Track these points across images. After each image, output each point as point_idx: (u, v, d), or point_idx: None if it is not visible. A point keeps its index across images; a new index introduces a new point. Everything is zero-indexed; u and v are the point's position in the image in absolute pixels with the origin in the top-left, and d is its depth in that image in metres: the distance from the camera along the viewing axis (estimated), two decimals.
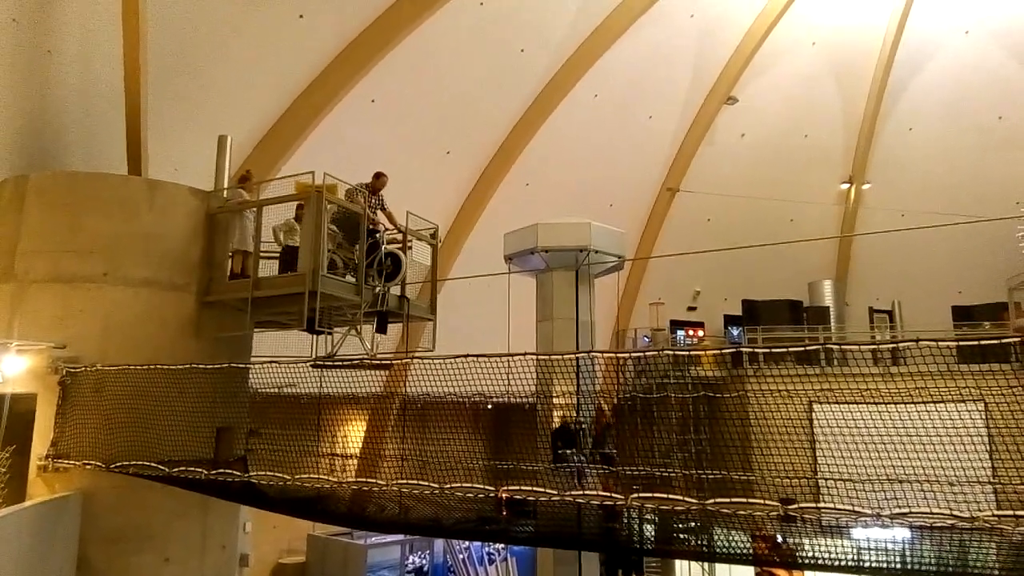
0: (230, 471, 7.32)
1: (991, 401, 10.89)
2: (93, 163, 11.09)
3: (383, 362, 8.78)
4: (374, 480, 6.36)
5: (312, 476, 6.70)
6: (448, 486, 5.55)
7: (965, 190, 20.48)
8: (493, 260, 13.88)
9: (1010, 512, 4.41)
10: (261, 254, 9.14)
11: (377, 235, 9.64)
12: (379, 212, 9.84)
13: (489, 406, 14.52)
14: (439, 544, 17.09)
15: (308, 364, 7.87)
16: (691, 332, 22.06)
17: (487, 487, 5.37)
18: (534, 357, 8.64)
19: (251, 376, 8.89)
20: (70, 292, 8.64)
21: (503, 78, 17.15)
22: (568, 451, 10.82)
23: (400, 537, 16.12)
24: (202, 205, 9.48)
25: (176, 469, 7.61)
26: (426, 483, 5.77)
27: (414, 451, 8.53)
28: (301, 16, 13.40)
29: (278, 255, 9.42)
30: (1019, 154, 20.20)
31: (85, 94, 11.04)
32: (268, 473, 7.12)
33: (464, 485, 5.56)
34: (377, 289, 9.47)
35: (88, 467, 8.07)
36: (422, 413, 10.77)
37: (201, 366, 8.10)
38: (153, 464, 7.69)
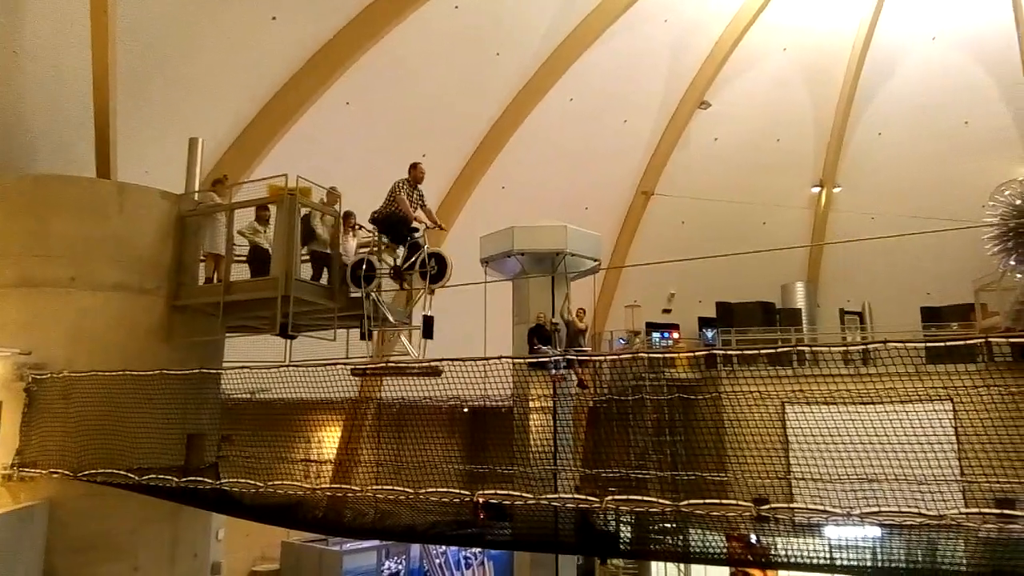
0: (201, 478, 7.21)
1: (959, 400, 11.13)
2: (61, 165, 10.87)
3: (432, 368, 8.48)
4: (348, 486, 6.30)
5: (285, 482, 6.62)
6: (423, 491, 5.52)
7: (933, 193, 20.89)
8: (469, 264, 13.86)
9: (976, 510, 4.50)
10: (236, 258, 9.04)
11: (418, 234, 9.22)
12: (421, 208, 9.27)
13: (465, 410, 14.47)
14: (415, 549, 16.99)
15: (348, 371, 7.59)
16: (671, 335, 22.25)
17: (463, 491, 5.35)
18: (510, 361, 8.64)
19: (223, 381, 8.78)
20: (36, 297, 8.47)
21: (478, 81, 17.15)
22: (544, 347, 10.89)
23: (376, 543, 16.01)
24: (173, 208, 9.35)
25: (146, 477, 7.48)
26: (401, 488, 5.74)
27: (390, 456, 8.48)
28: (274, 18, 13.29)
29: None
30: (985, 158, 20.65)
31: (53, 95, 10.84)
32: (240, 480, 7.02)
33: (439, 489, 5.53)
34: (422, 291, 9.04)
35: (55, 476, 7.90)
36: (398, 418, 10.71)
37: (171, 372, 7.97)
38: (122, 472, 7.55)
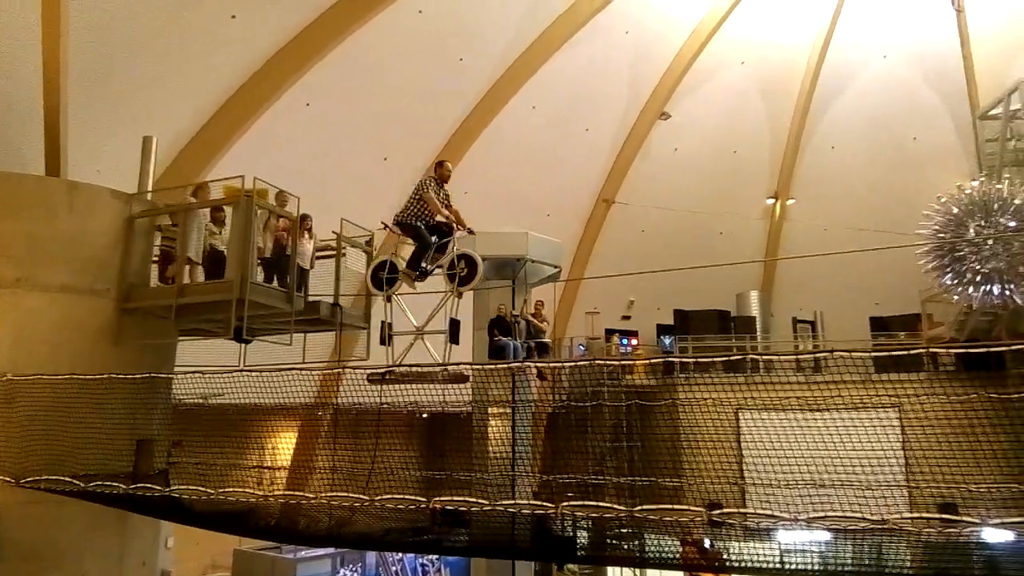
0: (150, 485, 7.03)
1: (905, 408, 11.48)
2: (10, 163, 10.53)
3: (458, 374, 8.23)
4: (301, 493, 6.21)
5: (237, 489, 6.50)
6: (379, 498, 5.47)
7: (882, 206, 21.53)
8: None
9: (916, 515, 4.65)
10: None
11: (450, 233, 8.95)
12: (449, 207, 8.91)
13: (424, 415, 14.40)
14: (371, 557, 16.80)
15: (367, 377, 7.32)
16: (631, 341, 22.48)
17: (419, 498, 5.32)
18: (469, 367, 8.63)
19: (175, 386, 8.58)
20: None
21: (442, 86, 17.13)
22: (504, 339, 10.85)
23: (331, 550, 15.78)
24: (125, 208, 9.11)
25: (92, 484, 7.26)
26: (355, 495, 5.68)
27: (346, 462, 8.39)
28: (234, 16, 13.09)
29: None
30: (932, 173, 21.36)
31: (2, 90, 10.49)
32: (190, 487, 6.86)
33: (395, 496, 5.49)
34: (452, 293, 8.70)
35: None
36: (355, 423, 10.60)
37: (120, 376, 7.76)
38: (67, 479, 7.31)
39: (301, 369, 6.95)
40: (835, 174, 23.10)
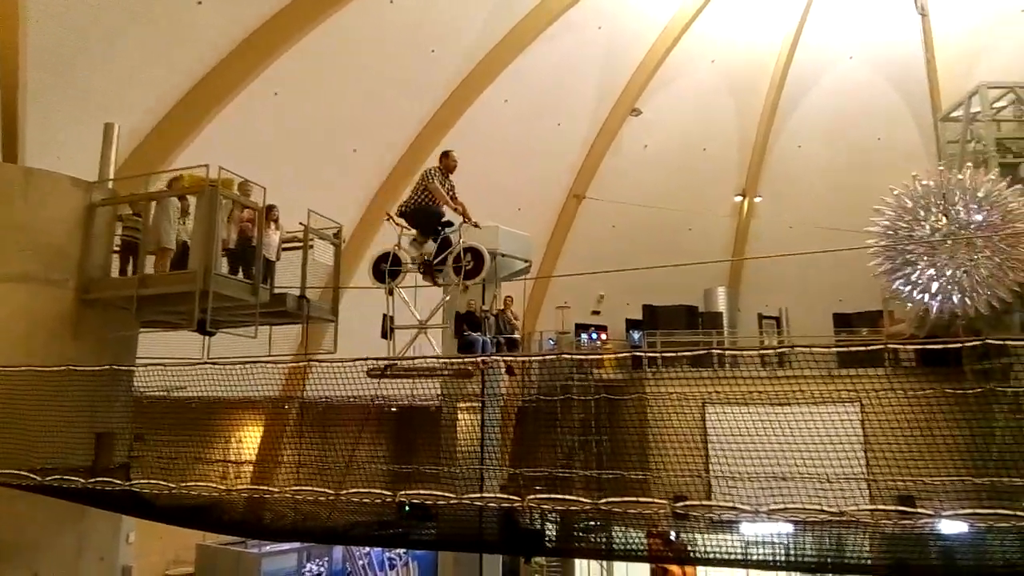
0: (110, 479, 6.88)
1: (866, 403, 11.74)
2: None
3: (463, 370, 8.03)
4: (265, 487, 6.13)
5: (199, 484, 6.39)
6: (344, 492, 5.43)
7: (846, 205, 21.90)
8: None
9: (874, 507, 4.76)
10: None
11: (451, 228, 8.82)
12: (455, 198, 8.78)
13: (393, 409, 14.31)
14: (338, 551, 16.69)
15: (365, 373, 7.15)
16: (600, 336, 22.59)
17: (384, 491, 5.29)
18: (440, 361, 8.59)
19: (137, 379, 8.41)
20: None
21: (413, 77, 17.00)
22: (473, 334, 10.82)
23: (296, 545, 15.64)
24: (85, 196, 8.88)
25: (49, 478, 7.08)
26: (320, 489, 5.62)
27: (313, 456, 8.31)
28: (200, 2, 12.83)
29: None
30: (894, 174, 21.76)
31: None
32: (151, 481, 6.73)
33: (361, 490, 5.45)
34: (458, 287, 8.55)
35: None
36: (323, 417, 10.50)
37: (79, 368, 7.58)
38: (24, 472, 7.12)
39: (266, 362, 6.86)
40: (801, 173, 23.46)
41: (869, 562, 7.48)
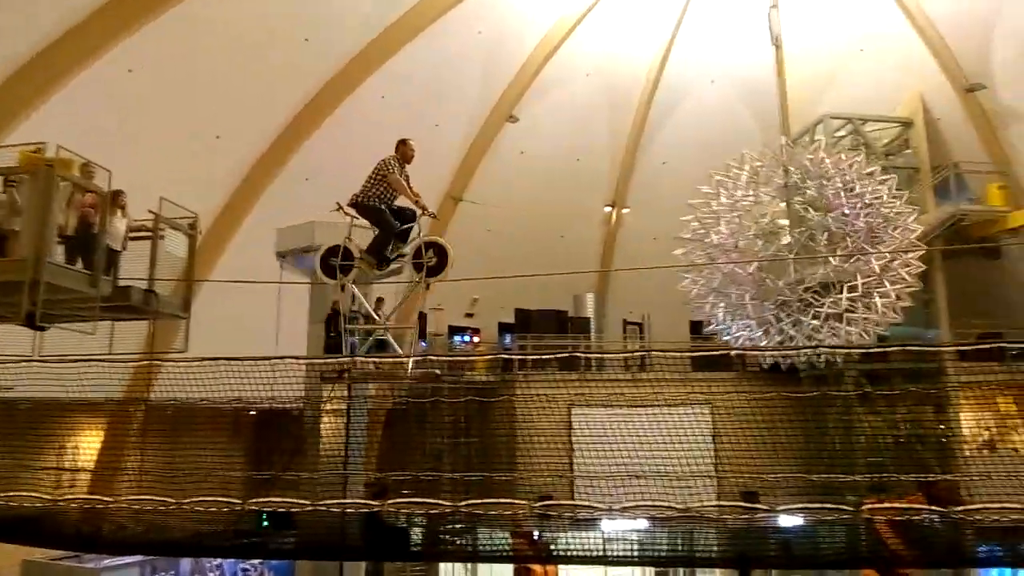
0: None
1: (716, 404, 12.51)
2: None
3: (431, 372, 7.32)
4: (98, 497, 5.61)
5: (22, 493, 5.75)
6: (187, 500, 5.05)
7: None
8: (264, 256, 13.10)
9: (718, 502, 5.04)
10: None
11: (413, 218, 8.31)
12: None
13: (252, 412, 13.63)
14: (186, 563, 15.68)
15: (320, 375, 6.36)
16: (473, 338, 22.61)
17: (233, 500, 4.98)
18: (304, 362, 8.26)
19: None
20: None
21: (284, 65, 16.31)
22: (341, 335, 10.46)
23: (139, 558, 14.53)
24: None
25: None
26: (160, 498, 5.20)
27: (160, 463, 7.74)
28: None
29: None
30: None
31: None
32: None
33: (207, 499, 5.10)
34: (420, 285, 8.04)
35: None
36: (173, 421, 9.83)
37: None
38: None
39: (105, 361, 6.29)
40: (665, 188, 24.66)
41: (716, 556, 7.94)
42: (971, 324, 15.14)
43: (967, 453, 13.51)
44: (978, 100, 18.37)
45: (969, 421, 13.78)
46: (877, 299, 13.25)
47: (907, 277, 13.67)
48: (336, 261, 8.50)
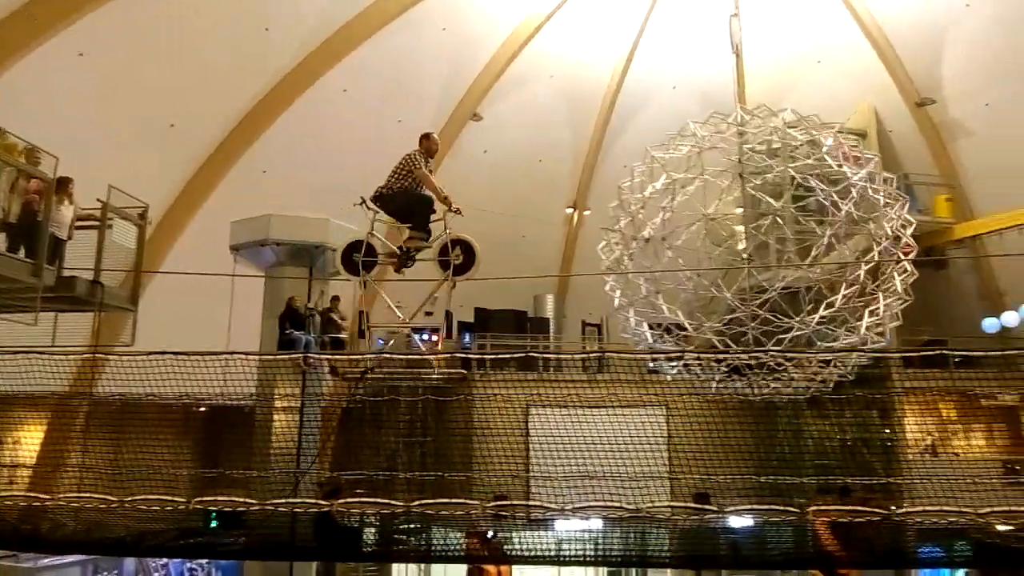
0: None
1: (672, 406, 12.65)
2: None
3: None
4: (35, 494, 5.40)
5: None
6: (129, 499, 4.89)
7: (670, 226, 23.52)
8: (218, 249, 12.81)
9: (670, 503, 5.09)
10: None
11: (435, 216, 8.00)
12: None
13: (202, 409, 13.32)
14: (130, 563, 15.25)
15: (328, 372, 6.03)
16: (432, 337, 22.43)
17: (177, 499, 4.84)
18: (256, 357, 8.09)
19: None
20: None
21: (243, 54, 15.96)
22: (296, 332, 10.31)
23: (80, 557, 14.07)
24: None
25: None
26: (102, 496, 5.03)
27: (104, 460, 7.50)
28: None
29: None
30: (709, 200, 23.75)
31: None
32: None
33: (150, 497, 4.95)
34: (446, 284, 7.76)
35: None
36: (119, 417, 9.53)
37: None
38: None
39: (47, 353, 6.06)
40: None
41: (668, 556, 8.03)
42: (917, 331, 15.60)
43: (910, 457, 13.96)
44: (928, 114, 18.99)
45: (912, 426, 14.24)
46: (865, 318, 10.40)
47: (899, 287, 10.79)
48: (359, 257, 8.24)
